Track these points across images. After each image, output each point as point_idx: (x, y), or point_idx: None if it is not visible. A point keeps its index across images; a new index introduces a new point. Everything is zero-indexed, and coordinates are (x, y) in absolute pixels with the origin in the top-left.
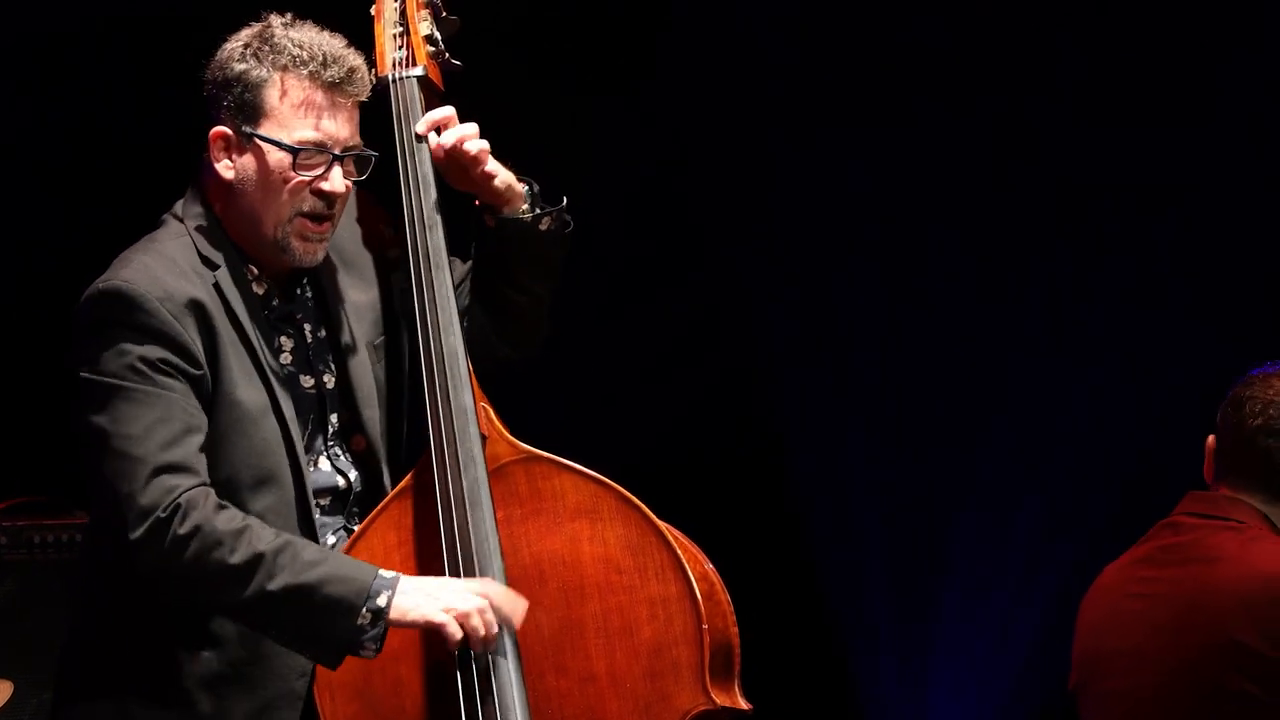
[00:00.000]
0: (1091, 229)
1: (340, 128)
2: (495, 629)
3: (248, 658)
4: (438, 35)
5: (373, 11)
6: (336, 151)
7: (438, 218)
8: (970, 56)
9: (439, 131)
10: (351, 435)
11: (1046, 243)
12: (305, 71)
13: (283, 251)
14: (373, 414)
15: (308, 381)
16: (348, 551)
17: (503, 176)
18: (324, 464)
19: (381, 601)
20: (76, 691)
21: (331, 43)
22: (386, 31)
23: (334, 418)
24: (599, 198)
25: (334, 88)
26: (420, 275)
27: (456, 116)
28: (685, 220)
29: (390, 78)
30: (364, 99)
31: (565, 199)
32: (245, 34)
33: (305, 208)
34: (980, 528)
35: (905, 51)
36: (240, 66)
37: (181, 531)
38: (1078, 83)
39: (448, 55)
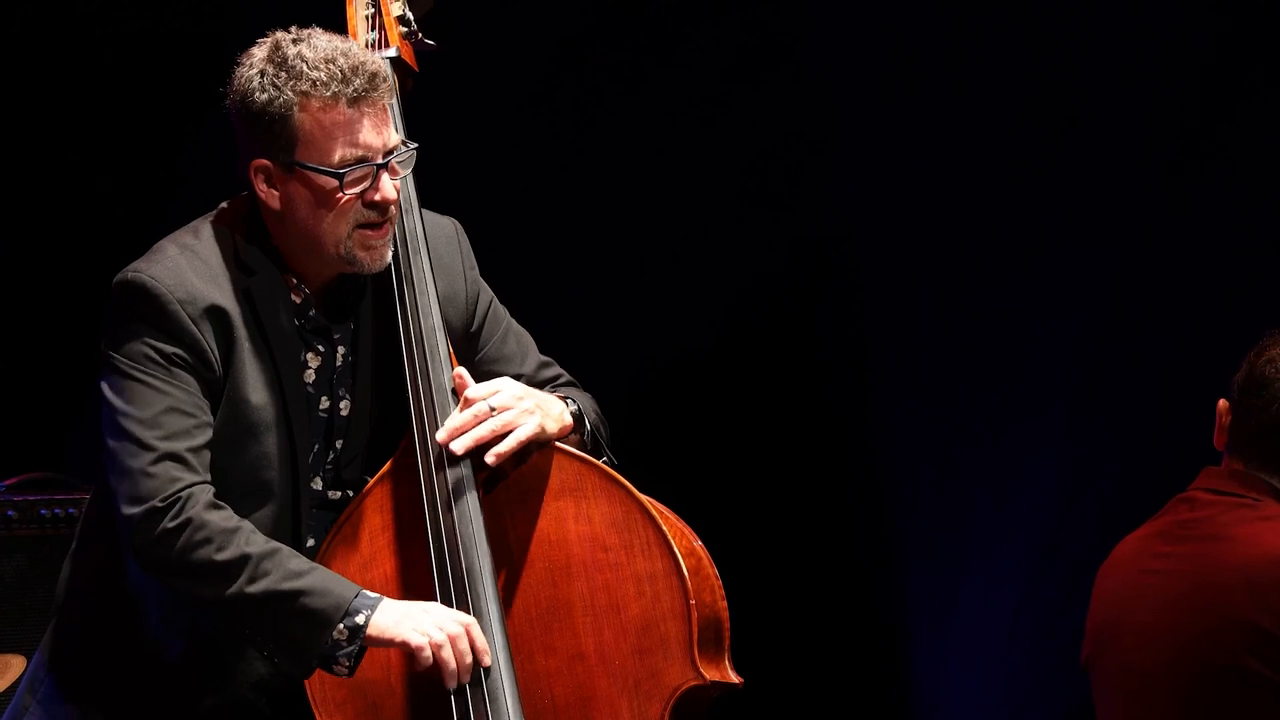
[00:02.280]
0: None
1: (376, 136)
2: (467, 660)
3: (219, 658)
4: (410, 15)
5: None
6: (379, 161)
7: (414, 202)
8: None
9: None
10: (350, 463)
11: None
12: (329, 93)
13: (349, 265)
14: (363, 469)
15: (324, 404)
16: (334, 536)
17: (551, 430)
18: (316, 482)
19: (360, 619)
20: (57, 659)
21: (345, 50)
22: (359, 13)
23: (339, 444)
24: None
25: (360, 99)
26: (398, 258)
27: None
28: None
29: None
30: (391, 99)
31: (606, 453)
32: (258, 58)
33: (361, 220)
34: (1010, 509)
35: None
36: (262, 98)
37: (172, 524)
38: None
39: (421, 35)
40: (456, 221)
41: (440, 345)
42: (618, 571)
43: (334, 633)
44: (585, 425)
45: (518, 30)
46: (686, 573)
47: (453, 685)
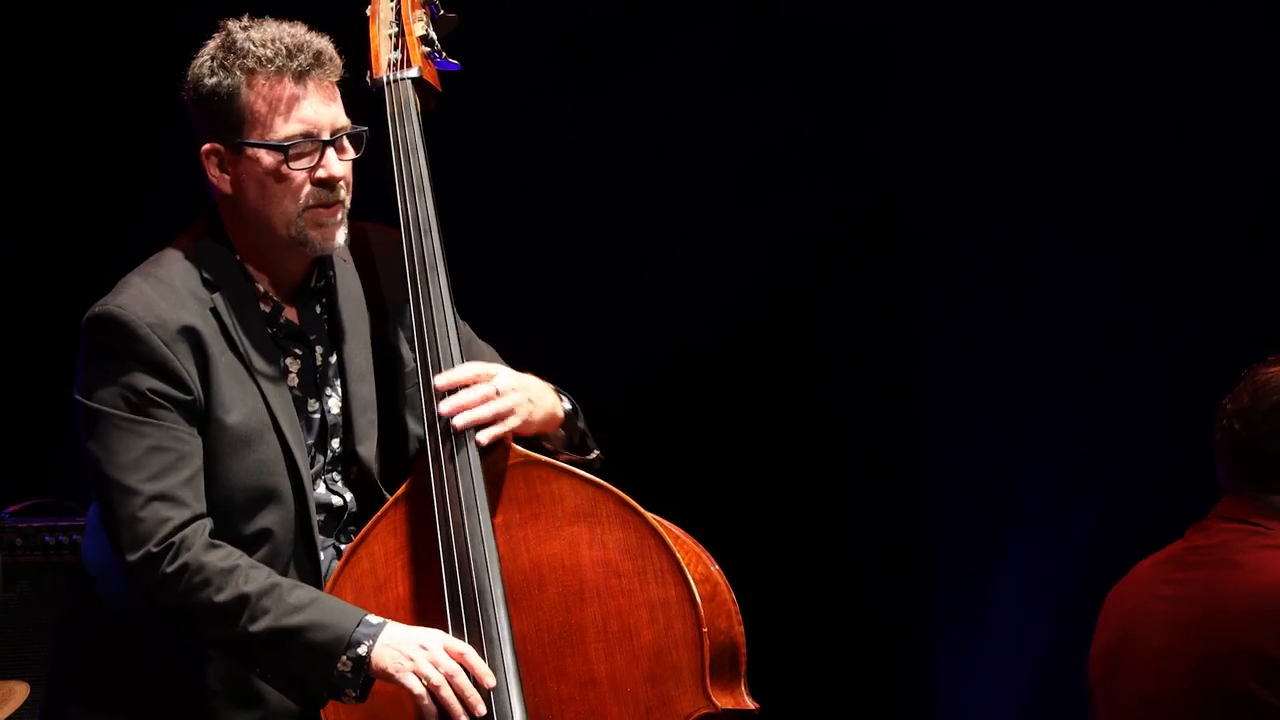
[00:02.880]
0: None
1: (322, 112)
2: (470, 694)
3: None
4: (433, 35)
5: (368, 12)
6: (325, 137)
7: (434, 222)
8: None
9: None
10: (348, 461)
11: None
12: (273, 68)
13: (302, 245)
14: (369, 449)
15: (313, 405)
16: (348, 557)
17: (536, 422)
18: (320, 487)
19: (362, 650)
20: (68, 695)
21: (293, 32)
22: (381, 32)
23: (335, 442)
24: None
25: (304, 75)
26: (416, 282)
27: (467, 382)
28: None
29: (385, 79)
30: (337, 78)
31: (597, 453)
32: (209, 47)
33: (311, 200)
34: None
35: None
36: (211, 81)
37: (170, 570)
38: None
39: (444, 55)
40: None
41: (453, 343)
42: (630, 598)
43: (338, 665)
44: (578, 419)
45: (516, 29)
46: (700, 600)
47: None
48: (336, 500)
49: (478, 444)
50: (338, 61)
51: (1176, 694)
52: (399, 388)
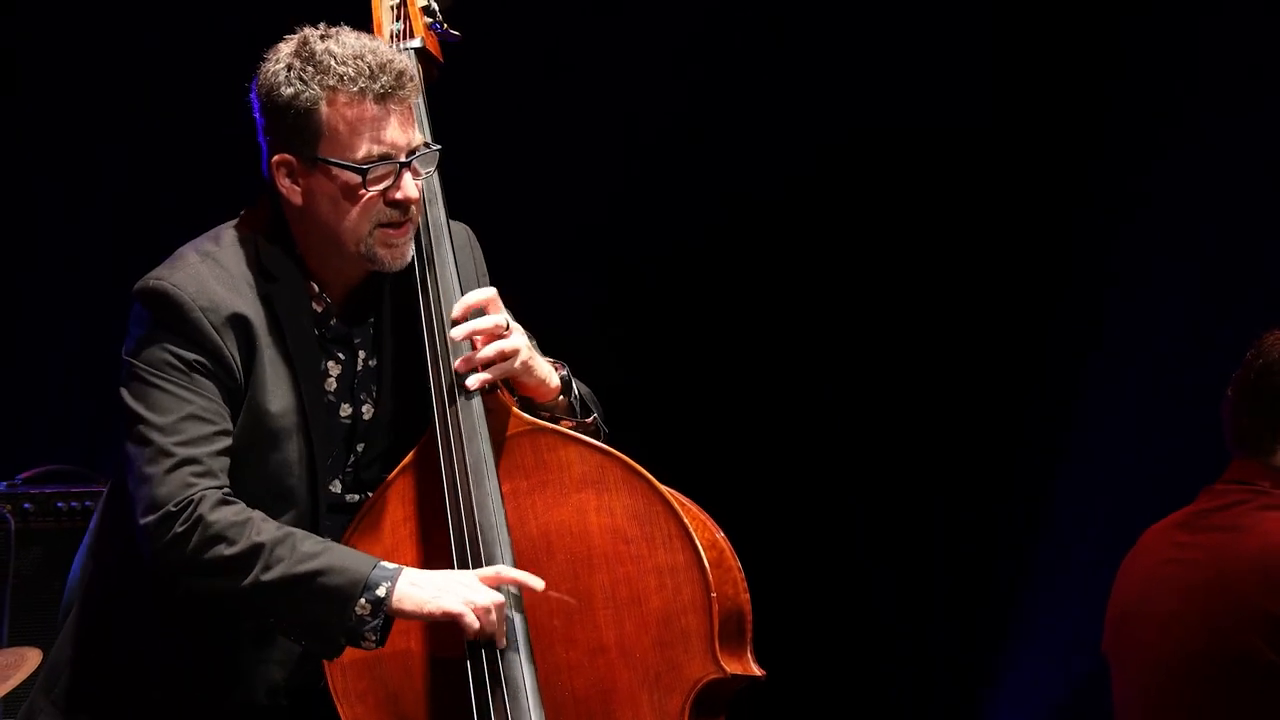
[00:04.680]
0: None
1: (401, 134)
2: (509, 621)
3: (234, 662)
4: (435, 6)
5: None
6: (403, 159)
7: (439, 192)
8: None
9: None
10: (370, 465)
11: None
12: (356, 88)
13: (370, 262)
14: (381, 473)
15: (345, 410)
16: (356, 526)
17: (534, 375)
18: (336, 485)
19: (381, 592)
20: (73, 659)
21: (374, 48)
22: (384, 3)
23: (360, 446)
24: None
25: (387, 97)
26: (422, 250)
27: (482, 303)
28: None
29: None
30: (417, 98)
31: (595, 413)
32: (284, 52)
33: (383, 219)
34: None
35: None
36: (288, 91)
37: (183, 527)
38: None
39: (446, 26)
40: (469, 228)
41: (457, 309)
42: (639, 564)
43: (356, 608)
44: (573, 389)
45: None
46: (708, 565)
47: (504, 644)
48: (350, 498)
49: (484, 396)
50: (418, 82)
51: (1186, 656)
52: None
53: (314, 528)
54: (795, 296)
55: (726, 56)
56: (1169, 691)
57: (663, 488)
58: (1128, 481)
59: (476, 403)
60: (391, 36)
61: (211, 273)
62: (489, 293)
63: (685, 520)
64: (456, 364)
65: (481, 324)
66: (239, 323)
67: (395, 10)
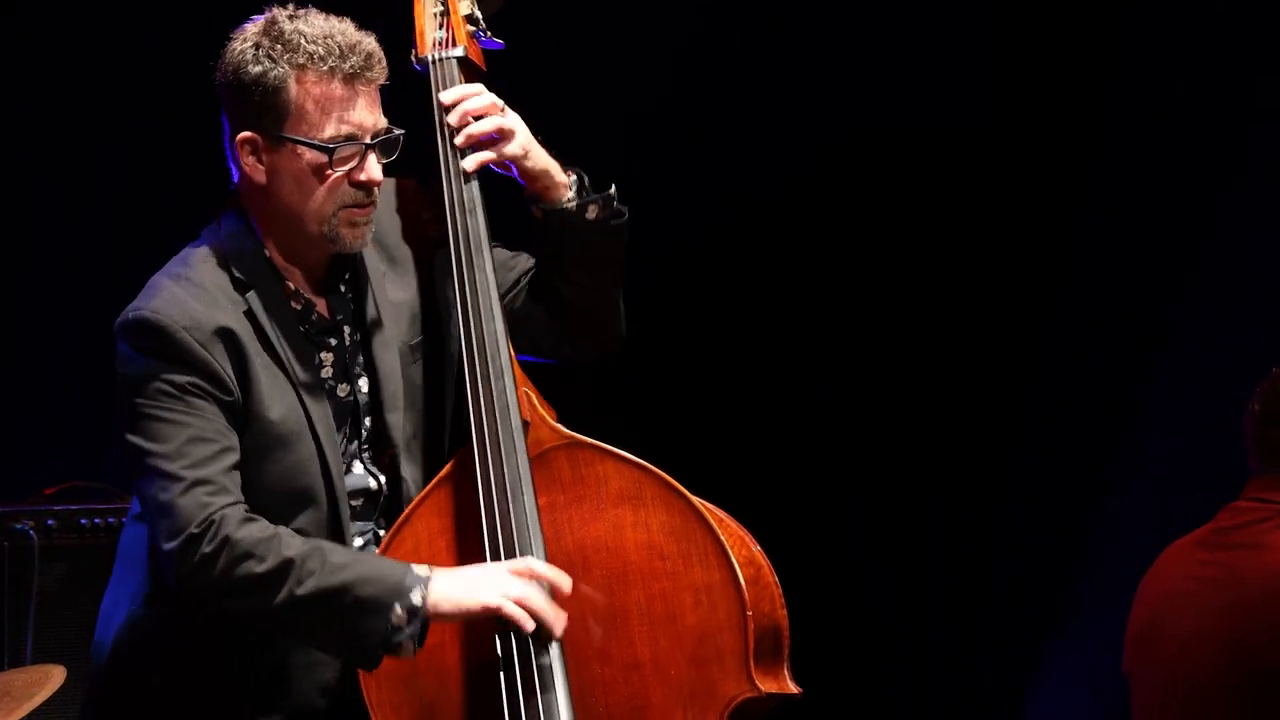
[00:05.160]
0: None
1: (367, 116)
2: (543, 614)
3: (271, 672)
4: (478, 14)
5: None
6: (368, 140)
7: (479, 201)
8: None
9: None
10: (380, 440)
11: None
12: (325, 67)
13: (332, 243)
14: (396, 418)
15: (344, 390)
16: (390, 538)
17: (537, 161)
18: (357, 467)
19: (416, 599)
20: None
21: (343, 30)
22: (427, 11)
23: (367, 421)
24: None
25: (355, 77)
26: (460, 260)
27: (474, 93)
28: None
29: (430, 58)
30: (384, 81)
31: (614, 186)
32: (251, 32)
33: (347, 201)
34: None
35: None
36: (256, 69)
37: (210, 548)
38: None
39: (489, 35)
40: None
41: (502, 350)
42: (675, 581)
43: (392, 618)
44: (586, 188)
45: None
46: (744, 583)
47: (560, 630)
48: (372, 483)
49: (521, 410)
50: (385, 64)
51: (1208, 675)
52: (427, 350)
53: (338, 521)
54: (795, 296)
55: (726, 56)
56: (1191, 710)
57: (700, 504)
58: (1128, 481)
59: (515, 415)
60: (434, 44)
61: (188, 293)
62: (479, 86)
63: (722, 537)
64: (458, 139)
65: (475, 102)
66: (225, 336)
67: (438, 18)
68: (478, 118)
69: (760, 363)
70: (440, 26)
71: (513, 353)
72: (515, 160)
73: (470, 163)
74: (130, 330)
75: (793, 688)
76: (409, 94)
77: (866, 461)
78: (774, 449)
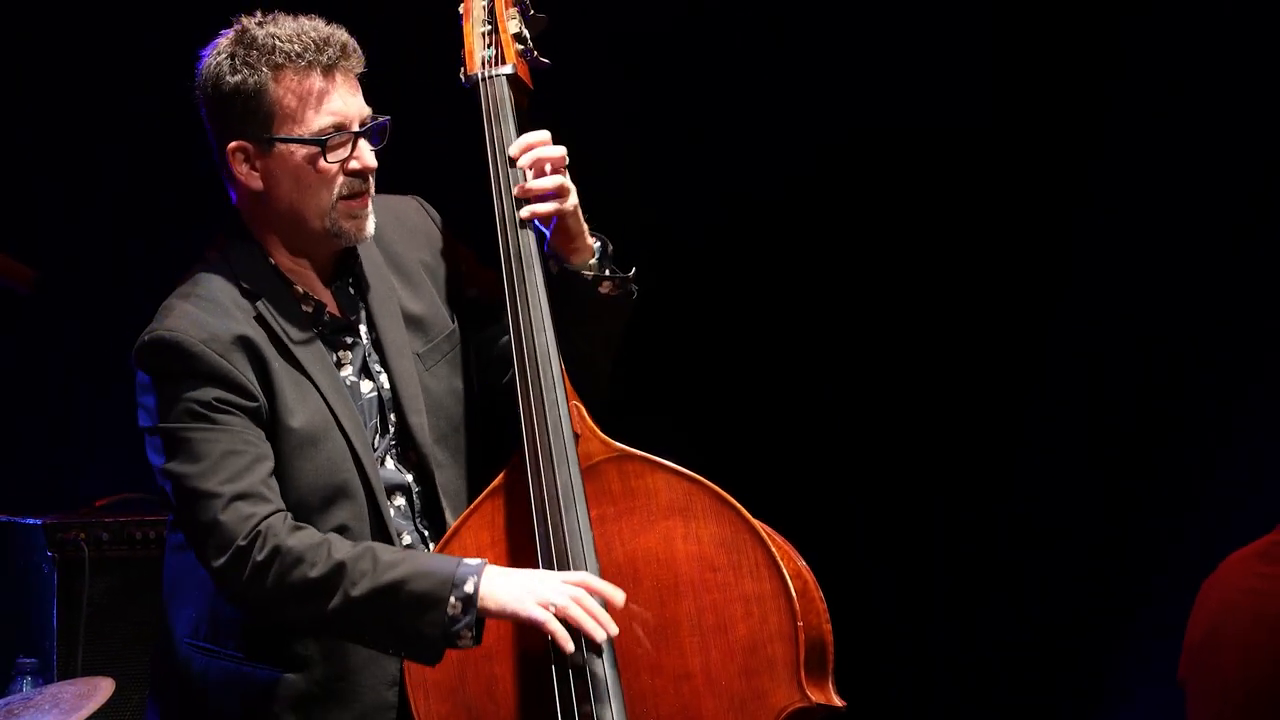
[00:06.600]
0: None
1: (351, 104)
2: (601, 614)
3: (335, 675)
4: (526, 33)
5: (461, 10)
6: (356, 128)
7: (521, 215)
8: None
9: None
10: (405, 438)
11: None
12: (302, 63)
13: (335, 237)
14: (419, 420)
15: (368, 387)
16: (441, 549)
17: (578, 223)
18: (389, 462)
19: (469, 588)
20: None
21: (314, 25)
22: (475, 30)
23: (393, 417)
24: None
25: (332, 68)
26: (512, 275)
27: (549, 142)
28: None
29: (479, 76)
30: (361, 69)
31: (634, 269)
32: (224, 44)
33: (345, 191)
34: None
35: None
36: (234, 78)
37: (261, 557)
38: None
39: (536, 53)
40: (420, 199)
41: (554, 363)
42: (726, 592)
43: (448, 609)
44: (609, 259)
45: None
46: (794, 594)
47: (601, 636)
48: (406, 478)
49: (572, 422)
50: (360, 53)
51: (1266, 687)
52: (438, 359)
53: (379, 516)
54: (795, 296)
55: (727, 57)
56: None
57: (749, 516)
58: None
59: (567, 428)
60: (484, 63)
61: (199, 308)
62: (545, 134)
63: (773, 549)
64: (515, 190)
65: (549, 152)
66: (243, 344)
67: (486, 37)
68: (544, 169)
69: (760, 363)
70: (489, 44)
71: (564, 366)
72: (564, 217)
73: (527, 211)
74: (147, 353)
75: (838, 701)
76: (457, 111)
77: (866, 461)
78: (774, 449)
